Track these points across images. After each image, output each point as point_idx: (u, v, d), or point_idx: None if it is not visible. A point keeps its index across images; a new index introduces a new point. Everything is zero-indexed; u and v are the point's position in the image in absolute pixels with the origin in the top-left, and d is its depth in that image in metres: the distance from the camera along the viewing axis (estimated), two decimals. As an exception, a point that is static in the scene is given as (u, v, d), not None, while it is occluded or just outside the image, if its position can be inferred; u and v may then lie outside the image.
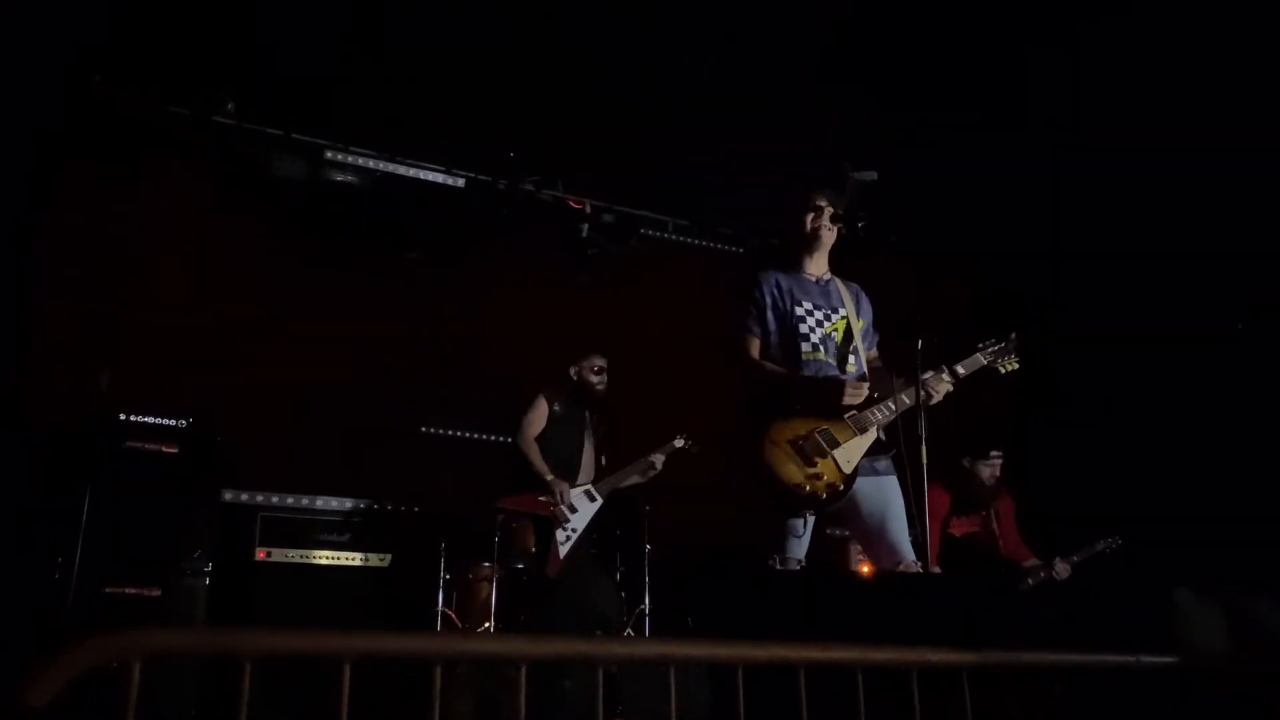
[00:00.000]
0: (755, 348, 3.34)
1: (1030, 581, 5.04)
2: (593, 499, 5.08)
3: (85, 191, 5.19)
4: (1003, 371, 3.42)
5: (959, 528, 5.18)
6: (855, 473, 3.09)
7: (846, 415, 3.13)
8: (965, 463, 5.26)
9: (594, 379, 5.28)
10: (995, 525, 5.17)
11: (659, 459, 5.21)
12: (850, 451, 3.09)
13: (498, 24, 5.18)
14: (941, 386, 3.22)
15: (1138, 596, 2.45)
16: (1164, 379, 5.35)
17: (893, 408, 3.17)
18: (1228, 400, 5.08)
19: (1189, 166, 4.99)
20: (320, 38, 5.41)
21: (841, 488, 3.04)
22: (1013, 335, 3.45)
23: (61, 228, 5.11)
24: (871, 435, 3.15)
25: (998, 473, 5.26)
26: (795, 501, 3.03)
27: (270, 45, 5.27)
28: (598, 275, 6.63)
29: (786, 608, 2.22)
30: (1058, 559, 5.11)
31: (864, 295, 3.54)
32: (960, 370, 3.31)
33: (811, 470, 3.02)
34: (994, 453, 5.24)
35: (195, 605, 4.20)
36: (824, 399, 3.17)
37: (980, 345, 3.41)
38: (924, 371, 3.19)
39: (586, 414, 5.31)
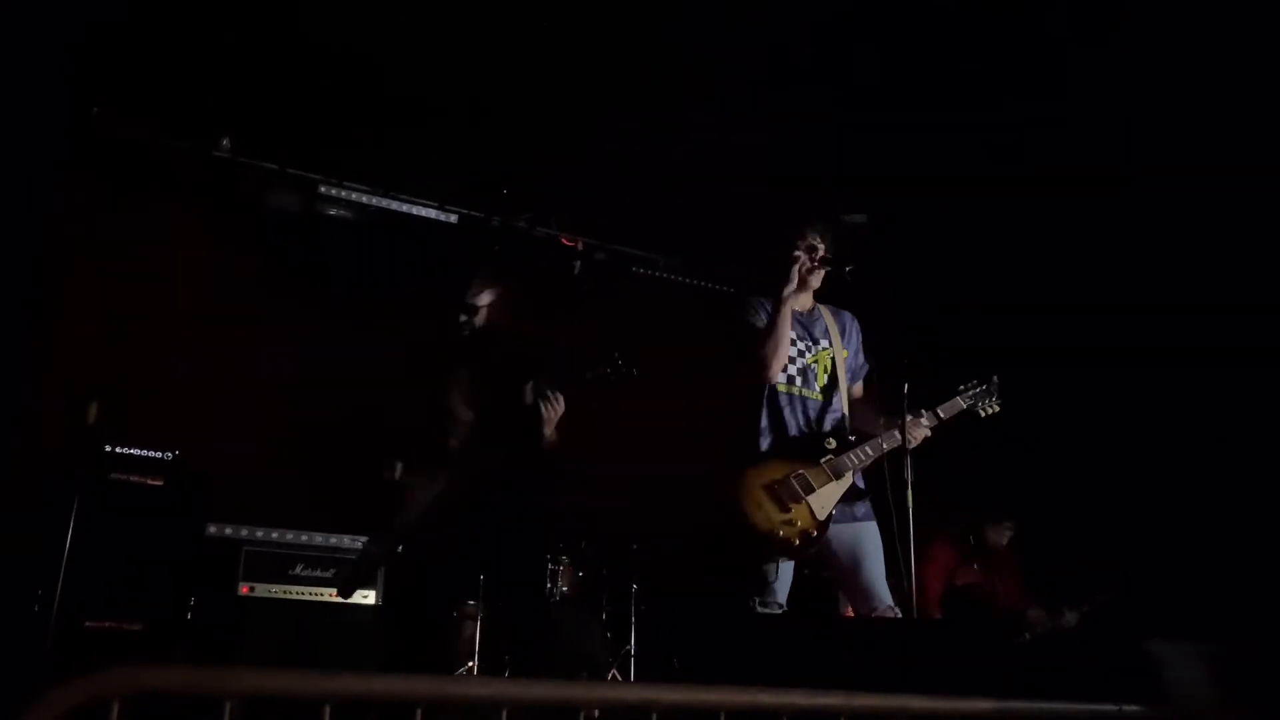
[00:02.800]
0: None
1: (1038, 629, 5.01)
2: (434, 483, 3.53)
3: (78, 223, 5.21)
4: (983, 415, 3.41)
5: (960, 576, 5.20)
6: (829, 519, 3.05)
7: (823, 460, 3.11)
8: (983, 528, 5.32)
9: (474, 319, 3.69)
10: (996, 575, 5.18)
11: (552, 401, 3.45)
12: (824, 497, 3.06)
13: (494, 62, 5.25)
14: (920, 431, 3.21)
15: (1120, 644, 2.46)
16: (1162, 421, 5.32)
17: (869, 452, 3.16)
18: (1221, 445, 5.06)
19: (1183, 206, 5.04)
20: (316, 73, 5.48)
21: (814, 534, 3.01)
22: (994, 378, 3.45)
23: (53, 258, 5.12)
24: (847, 481, 3.12)
25: (1004, 541, 5.32)
26: (768, 547, 3.01)
27: (267, 80, 5.33)
28: (590, 312, 6.67)
29: (772, 651, 2.21)
30: (1065, 608, 5.06)
31: (854, 323, 3.51)
32: (940, 414, 3.30)
33: (785, 516, 2.99)
34: (1006, 523, 5.29)
35: (176, 640, 4.16)
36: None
37: (960, 388, 3.40)
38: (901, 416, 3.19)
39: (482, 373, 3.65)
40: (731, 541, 3.08)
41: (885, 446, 3.15)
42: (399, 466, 3.57)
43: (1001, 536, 5.31)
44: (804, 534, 3.00)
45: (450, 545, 3.41)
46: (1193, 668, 2.52)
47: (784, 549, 3.00)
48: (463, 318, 3.69)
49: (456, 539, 3.40)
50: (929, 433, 3.23)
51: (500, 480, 3.42)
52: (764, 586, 3.03)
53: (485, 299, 3.74)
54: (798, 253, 3.32)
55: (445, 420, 3.54)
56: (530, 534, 3.68)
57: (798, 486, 3.04)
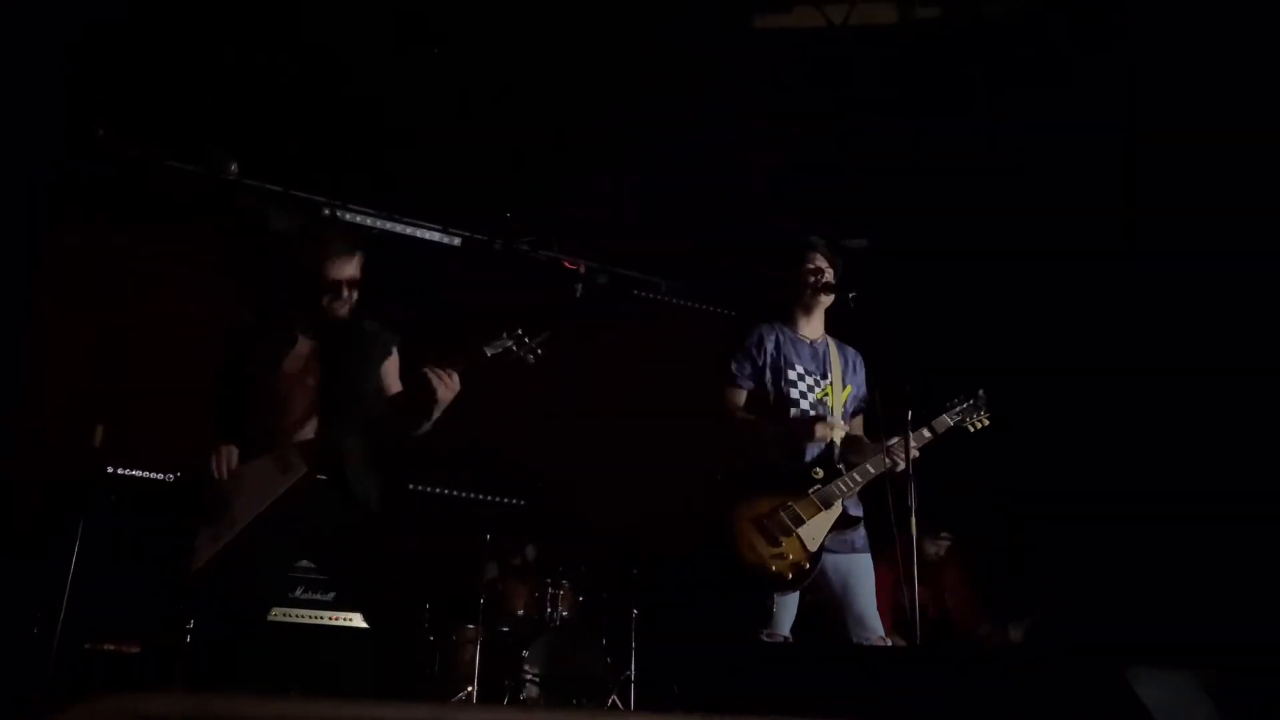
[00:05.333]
0: (740, 399, 3.29)
1: (988, 645, 4.98)
2: (286, 469, 2.97)
3: (84, 244, 5.24)
4: (972, 430, 3.41)
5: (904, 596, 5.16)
6: (820, 550, 3.05)
7: (811, 491, 3.10)
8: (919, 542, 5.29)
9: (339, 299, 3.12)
10: (945, 594, 5.15)
11: (445, 378, 3.00)
12: (814, 528, 3.05)
13: (498, 85, 5.30)
14: (910, 452, 3.19)
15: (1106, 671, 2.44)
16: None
17: (857, 479, 3.16)
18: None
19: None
20: (320, 95, 5.52)
21: (807, 566, 3.00)
22: (980, 392, 3.44)
23: (58, 279, 5.14)
24: (836, 510, 3.11)
25: (942, 553, 5.27)
26: (760, 581, 3.01)
27: (272, 103, 5.38)
28: (590, 335, 6.70)
29: (773, 680, 2.20)
30: (1011, 624, 5.05)
31: (859, 361, 3.51)
32: (926, 433, 3.29)
33: (775, 550, 2.99)
34: (943, 534, 5.24)
35: (174, 663, 4.14)
36: (795, 439, 3.16)
37: (947, 405, 3.40)
38: (890, 438, 3.18)
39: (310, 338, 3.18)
40: (726, 573, 3.08)
41: (873, 470, 3.15)
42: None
43: (937, 548, 5.25)
44: (796, 566, 3.00)
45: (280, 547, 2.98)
46: (1177, 696, 2.52)
47: (776, 583, 3.00)
48: (325, 298, 3.06)
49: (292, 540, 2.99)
50: (917, 452, 3.21)
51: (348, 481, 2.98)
52: (767, 617, 3.01)
53: (350, 272, 3.09)
54: (810, 270, 3.34)
55: (279, 409, 3.02)
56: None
57: (787, 519, 3.04)
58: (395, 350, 3.25)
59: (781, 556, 3.00)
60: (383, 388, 3.16)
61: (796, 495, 3.09)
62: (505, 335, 3.12)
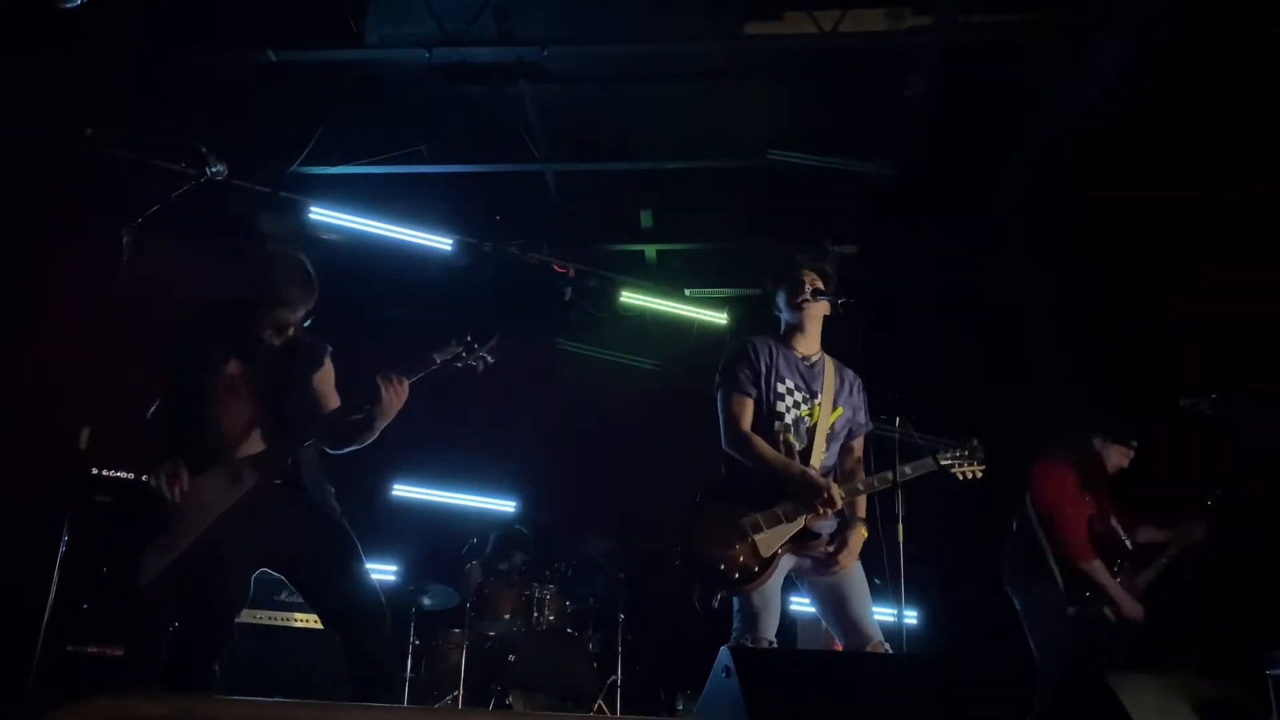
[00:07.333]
0: (748, 408, 3.25)
1: (1178, 548, 4.18)
2: (237, 481, 2.98)
3: (71, 245, 5.20)
4: (961, 479, 3.34)
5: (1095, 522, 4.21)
6: (774, 557, 3.06)
7: (778, 506, 3.10)
8: (1096, 442, 4.31)
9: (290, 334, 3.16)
10: (1113, 516, 4.29)
11: (395, 386, 3.00)
12: (772, 537, 3.07)
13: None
14: (880, 483, 3.18)
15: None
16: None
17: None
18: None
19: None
20: (311, 99, 5.51)
21: (755, 569, 3.03)
22: (974, 441, 3.36)
23: (46, 280, 5.10)
24: (799, 523, 3.11)
25: (1125, 465, 4.35)
26: (708, 577, 3.04)
27: (262, 103, 5.36)
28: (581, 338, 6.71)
29: (763, 688, 2.19)
30: (1183, 519, 4.28)
31: (857, 385, 3.43)
32: (908, 471, 3.22)
33: (728, 550, 3.03)
34: (1133, 443, 4.35)
35: (156, 665, 4.10)
36: (794, 493, 3.13)
37: (937, 450, 3.31)
38: (869, 474, 3.22)
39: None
40: (682, 569, 3.11)
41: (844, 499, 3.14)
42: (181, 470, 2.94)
43: (1123, 460, 4.34)
44: (743, 568, 3.04)
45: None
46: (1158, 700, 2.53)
47: (722, 580, 3.03)
48: (270, 331, 3.08)
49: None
50: (880, 488, 3.18)
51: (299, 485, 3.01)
52: (754, 621, 3.01)
53: (302, 315, 3.12)
54: (805, 285, 3.30)
55: (219, 425, 3.02)
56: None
57: (746, 525, 3.07)
58: (328, 361, 3.22)
59: (732, 557, 3.04)
60: (317, 400, 3.14)
61: (763, 507, 3.11)
62: (454, 342, 3.10)
